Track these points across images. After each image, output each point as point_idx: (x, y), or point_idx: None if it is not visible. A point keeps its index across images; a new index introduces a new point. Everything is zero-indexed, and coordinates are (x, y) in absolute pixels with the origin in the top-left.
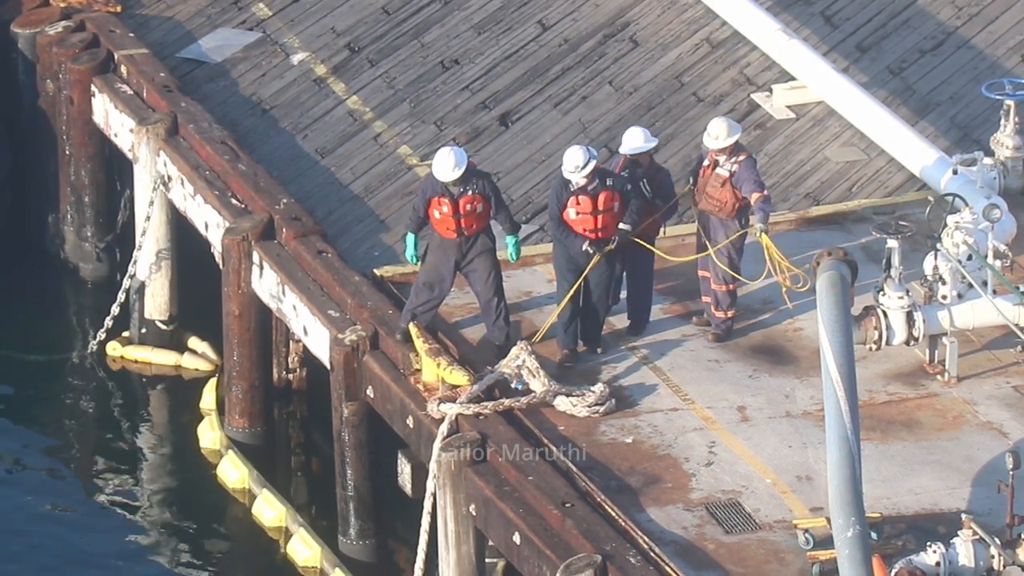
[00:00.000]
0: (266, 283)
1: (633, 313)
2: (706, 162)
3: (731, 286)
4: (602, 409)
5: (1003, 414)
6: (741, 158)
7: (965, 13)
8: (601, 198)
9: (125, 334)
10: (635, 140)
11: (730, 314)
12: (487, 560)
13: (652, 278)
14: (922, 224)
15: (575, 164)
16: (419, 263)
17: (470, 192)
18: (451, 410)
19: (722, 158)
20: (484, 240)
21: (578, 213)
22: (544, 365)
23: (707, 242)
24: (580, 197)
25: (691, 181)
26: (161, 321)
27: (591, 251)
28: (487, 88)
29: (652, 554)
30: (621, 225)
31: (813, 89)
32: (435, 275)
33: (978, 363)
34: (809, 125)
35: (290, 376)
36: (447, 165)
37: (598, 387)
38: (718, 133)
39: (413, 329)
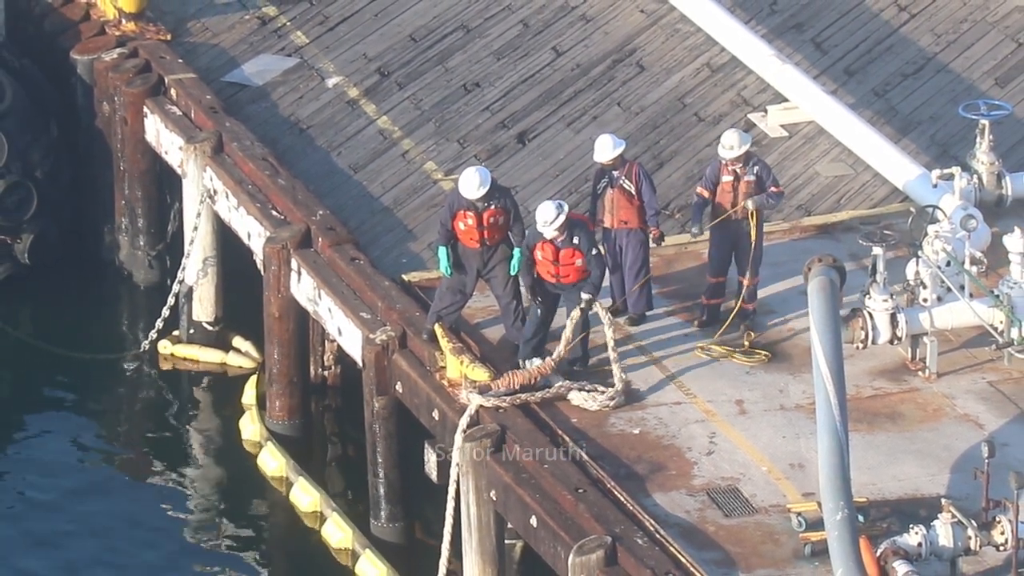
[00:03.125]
0: (304, 288)
1: (631, 304)
2: (725, 178)
3: (758, 279)
4: (612, 403)
5: (979, 407)
6: (759, 162)
7: (943, 40)
8: (563, 253)
9: (175, 334)
10: (606, 149)
11: (753, 306)
12: (506, 542)
13: (644, 269)
14: (904, 233)
15: (545, 219)
16: (453, 275)
17: (493, 206)
18: (475, 400)
19: (739, 166)
20: (504, 249)
21: (543, 257)
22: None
23: (742, 241)
24: (545, 245)
25: (710, 192)
26: (208, 322)
27: (529, 294)
28: (506, 109)
29: (658, 536)
30: (583, 294)
31: (804, 109)
32: (458, 281)
33: (956, 360)
34: (801, 142)
35: (326, 373)
36: (472, 184)
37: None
38: (732, 144)
39: (438, 330)
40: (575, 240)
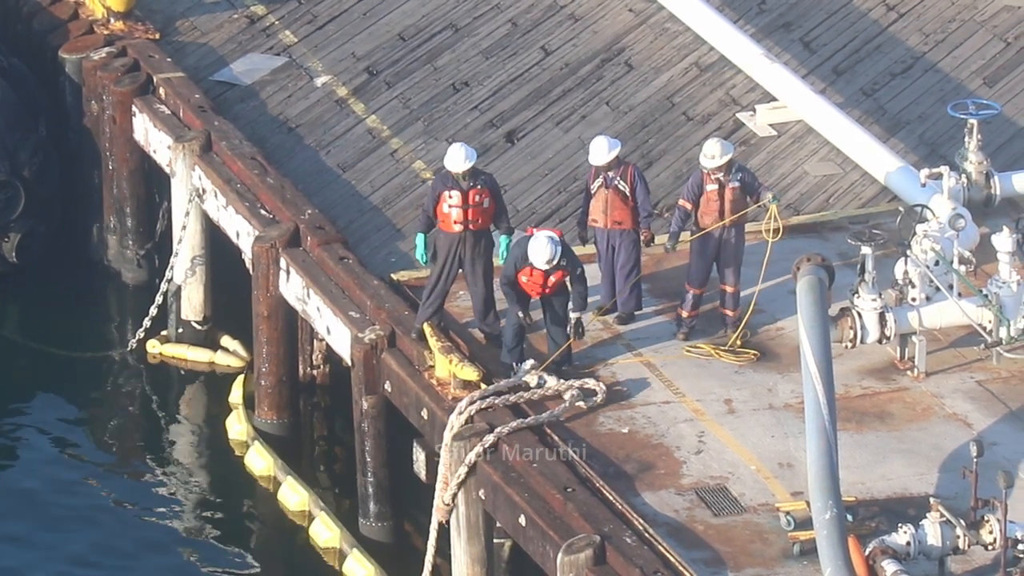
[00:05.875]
0: (292, 287)
1: (620, 303)
2: (709, 187)
3: (739, 286)
4: (598, 400)
5: (967, 406)
6: (742, 168)
7: (932, 39)
8: (553, 277)
9: (163, 333)
10: (602, 152)
11: (738, 312)
12: (495, 540)
13: (636, 269)
14: (893, 232)
15: (547, 259)
16: (429, 263)
17: (478, 186)
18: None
19: (721, 175)
20: (487, 242)
21: (529, 281)
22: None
23: (726, 249)
24: (534, 271)
25: (693, 204)
26: (196, 321)
27: (520, 316)
28: (495, 108)
29: (647, 535)
30: (572, 313)
31: (793, 109)
32: (442, 273)
33: (945, 360)
34: (790, 142)
35: (314, 372)
36: (459, 157)
37: (600, 387)
38: (714, 153)
39: (427, 328)
40: (563, 263)
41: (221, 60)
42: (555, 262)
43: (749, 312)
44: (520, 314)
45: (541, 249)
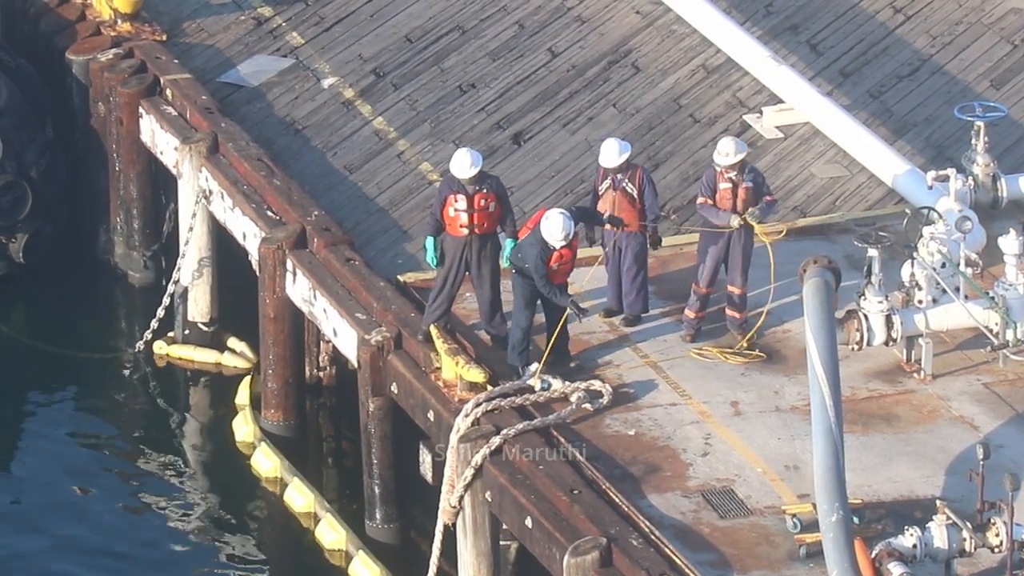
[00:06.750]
0: (299, 288)
1: (627, 305)
2: (722, 185)
3: (746, 288)
4: (604, 402)
5: (974, 409)
6: (754, 170)
7: (939, 42)
8: (573, 245)
9: (170, 334)
10: (612, 155)
11: (744, 315)
12: (501, 543)
13: (644, 271)
14: (900, 235)
15: (566, 233)
16: (438, 266)
17: (484, 190)
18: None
19: (734, 173)
20: (493, 246)
21: (562, 263)
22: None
23: (735, 251)
24: (561, 253)
25: (710, 199)
26: (203, 323)
27: (579, 314)
28: (501, 110)
29: (653, 537)
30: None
31: (800, 111)
32: (448, 276)
33: (951, 362)
34: (796, 144)
35: (321, 374)
36: (464, 163)
37: (606, 389)
38: (728, 151)
39: (434, 330)
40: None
41: (228, 62)
42: (571, 233)
43: (760, 321)
44: (581, 306)
45: (557, 226)
